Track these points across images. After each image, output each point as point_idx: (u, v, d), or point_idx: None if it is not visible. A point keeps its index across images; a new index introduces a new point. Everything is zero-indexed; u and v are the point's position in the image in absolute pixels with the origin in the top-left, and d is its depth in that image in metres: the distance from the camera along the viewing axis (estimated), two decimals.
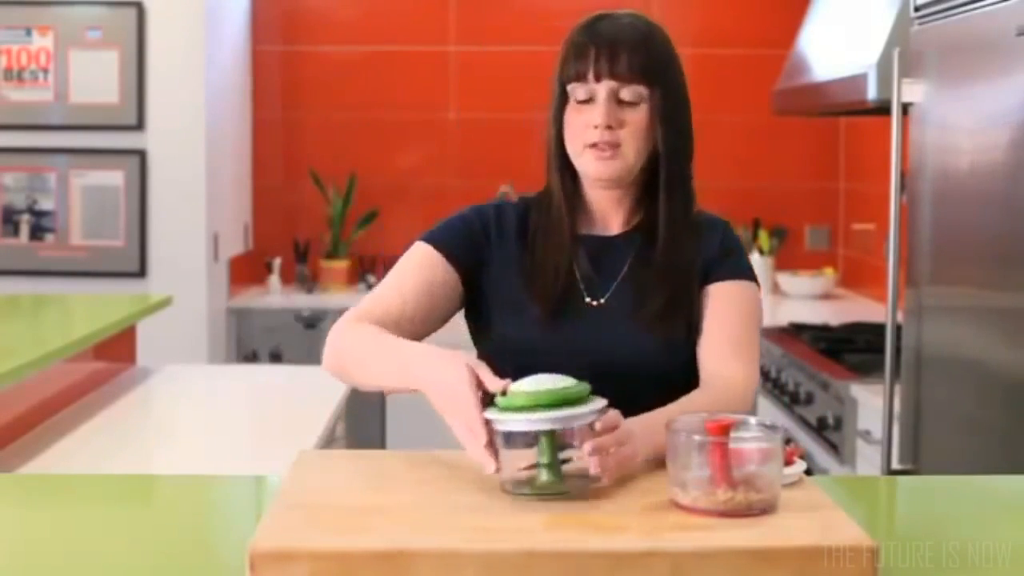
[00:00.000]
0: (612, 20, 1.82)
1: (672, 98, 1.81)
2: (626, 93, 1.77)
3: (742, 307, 1.83)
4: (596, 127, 1.77)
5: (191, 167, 4.69)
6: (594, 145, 1.78)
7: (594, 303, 1.82)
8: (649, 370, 1.77)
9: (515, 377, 1.50)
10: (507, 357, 1.65)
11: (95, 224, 4.72)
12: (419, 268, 1.82)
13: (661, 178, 1.82)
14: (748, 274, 1.86)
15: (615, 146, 1.77)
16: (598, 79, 1.77)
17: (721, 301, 1.82)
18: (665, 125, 1.80)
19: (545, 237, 1.84)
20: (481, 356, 1.80)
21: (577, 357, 1.59)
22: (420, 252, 1.84)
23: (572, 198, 1.85)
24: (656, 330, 1.79)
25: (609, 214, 1.87)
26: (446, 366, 1.55)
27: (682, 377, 1.80)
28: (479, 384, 1.51)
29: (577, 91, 1.79)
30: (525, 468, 1.45)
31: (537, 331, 1.78)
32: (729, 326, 1.80)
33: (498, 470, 1.46)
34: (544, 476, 1.43)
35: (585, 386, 1.48)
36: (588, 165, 1.81)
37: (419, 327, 1.80)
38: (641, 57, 1.78)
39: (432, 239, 1.85)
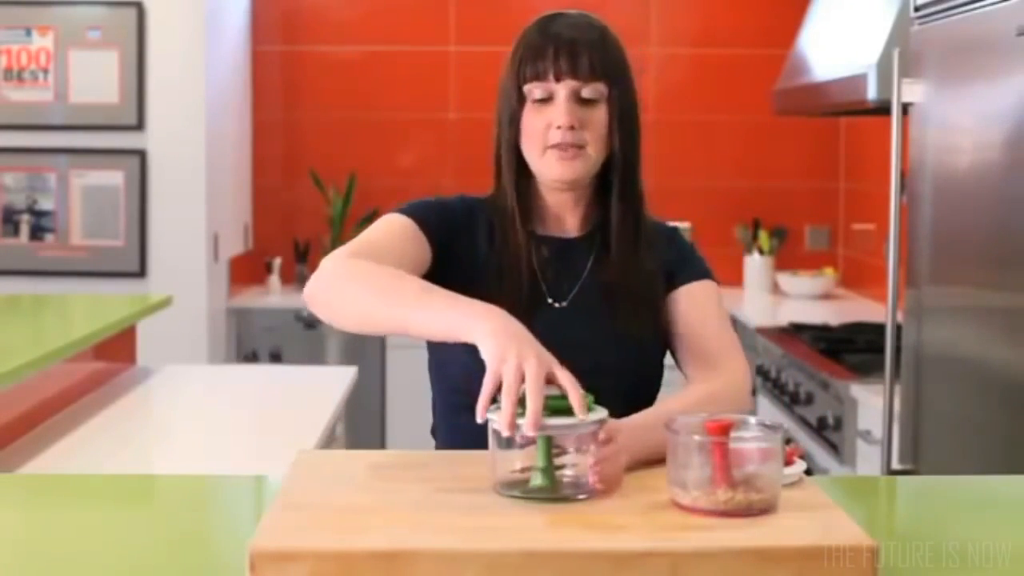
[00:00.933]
0: (567, 19, 1.80)
1: (627, 98, 1.79)
2: (587, 91, 1.75)
3: (717, 304, 1.84)
4: (559, 127, 1.75)
5: (191, 167, 4.69)
6: (556, 146, 1.76)
7: (557, 305, 1.80)
8: (617, 371, 1.74)
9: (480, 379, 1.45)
10: (472, 357, 1.51)
11: (95, 224, 4.72)
12: (385, 234, 1.74)
13: (615, 179, 1.81)
14: (710, 273, 1.87)
15: (579, 147, 1.76)
16: (558, 79, 1.75)
17: (694, 302, 1.82)
18: (621, 125, 1.78)
19: (506, 238, 1.81)
20: (444, 354, 1.76)
21: None
22: (387, 219, 1.78)
23: (525, 200, 1.82)
24: (625, 331, 1.78)
25: (565, 216, 1.85)
26: (520, 326, 1.49)
27: (649, 378, 1.80)
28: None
29: (534, 91, 1.77)
30: (518, 471, 1.44)
31: None
32: (711, 324, 1.81)
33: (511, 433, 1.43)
34: (538, 480, 1.43)
35: (589, 397, 1.47)
36: (551, 167, 1.77)
37: None
38: (601, 56, 1.76)
39: (405, 210, 1.79)
